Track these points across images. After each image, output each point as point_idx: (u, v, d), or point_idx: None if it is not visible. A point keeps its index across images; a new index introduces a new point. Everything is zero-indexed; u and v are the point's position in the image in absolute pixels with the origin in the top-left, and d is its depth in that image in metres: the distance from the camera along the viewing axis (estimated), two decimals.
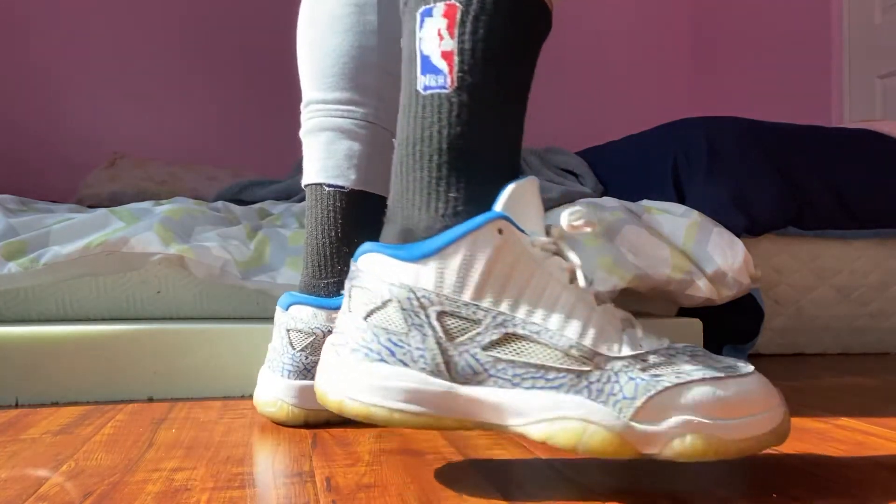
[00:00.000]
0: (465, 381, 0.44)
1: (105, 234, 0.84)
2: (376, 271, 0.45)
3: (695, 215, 1.03)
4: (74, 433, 0.61)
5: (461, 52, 0.46)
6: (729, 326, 1.05)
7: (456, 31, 0.46)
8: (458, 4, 0.46)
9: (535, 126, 2.90)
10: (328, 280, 0.66)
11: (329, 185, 0.67)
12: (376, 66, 0.67)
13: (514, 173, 0.48)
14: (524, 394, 0.43)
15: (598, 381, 0.43)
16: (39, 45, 2.40)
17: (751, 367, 0.46)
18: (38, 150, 2.39)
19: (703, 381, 0.43)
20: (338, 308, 0.63)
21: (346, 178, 0.67)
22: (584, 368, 0.43)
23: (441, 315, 0.44)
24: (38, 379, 0.76)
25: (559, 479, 0.48)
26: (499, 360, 0.43)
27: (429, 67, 0.47)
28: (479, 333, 0.44)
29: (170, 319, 0.87)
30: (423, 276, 0.44)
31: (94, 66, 2.45)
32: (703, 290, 0.93)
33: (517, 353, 0.43)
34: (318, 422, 0.64)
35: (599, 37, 3.04)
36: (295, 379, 0.63)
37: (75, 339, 0.77)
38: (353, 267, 0.47)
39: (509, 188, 0.45)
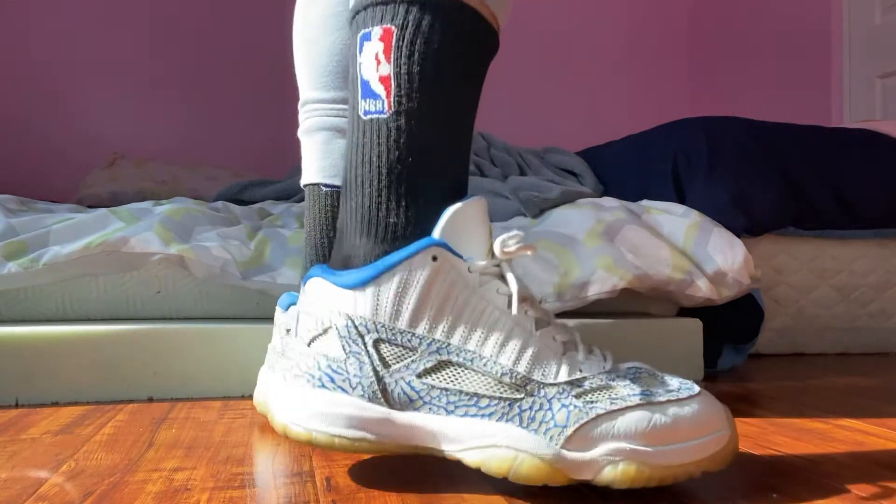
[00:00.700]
0: (402, 408, 0.44)
1: (105, 234, 0.84)
2: (320, 296, 0.45)
3: (695, 215, 1.03)
4: (74, 433, 0.61)
5: (397, 76, 0.45)
6: (729, 326, 1.05)
7: (392, 56, 0.45)
8: (393, 28, 0.45)
9: (535, 126, 2.90)
10: None
11: (326, 186, 0.67)
12: None
13: (459, 195, 0.48)
14: (458, 421, 0.43)
15: (531, 408, 0.43)
16: (39, 44, 2.40)
17: (696, 389, 0.46)
18: (38, 150, 2.39)
19: (637, 406, 0.43)
20: None
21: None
22: (516, 396, 0.43)
23: (377, 342, 0.44)
24: (38, 379, 0.76)
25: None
26: (433, 387, 0.44)
27: (368, 92, 0.46)
28: (413, 361, 0.44)
29: (170, 319, 0.87)
30: (361, 303, 0.44)
31: (94, 66, 2.44)
32: (703, 290, 0.93)
33: (451, 381, 0.44)
34: None
35: (599, 37, 3.04)
36: None
37: (75, 339, 0.77)
38: (301, 290, 0.48)
39: (448, 212, 0.45)
